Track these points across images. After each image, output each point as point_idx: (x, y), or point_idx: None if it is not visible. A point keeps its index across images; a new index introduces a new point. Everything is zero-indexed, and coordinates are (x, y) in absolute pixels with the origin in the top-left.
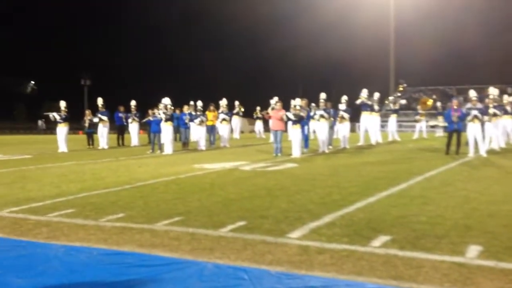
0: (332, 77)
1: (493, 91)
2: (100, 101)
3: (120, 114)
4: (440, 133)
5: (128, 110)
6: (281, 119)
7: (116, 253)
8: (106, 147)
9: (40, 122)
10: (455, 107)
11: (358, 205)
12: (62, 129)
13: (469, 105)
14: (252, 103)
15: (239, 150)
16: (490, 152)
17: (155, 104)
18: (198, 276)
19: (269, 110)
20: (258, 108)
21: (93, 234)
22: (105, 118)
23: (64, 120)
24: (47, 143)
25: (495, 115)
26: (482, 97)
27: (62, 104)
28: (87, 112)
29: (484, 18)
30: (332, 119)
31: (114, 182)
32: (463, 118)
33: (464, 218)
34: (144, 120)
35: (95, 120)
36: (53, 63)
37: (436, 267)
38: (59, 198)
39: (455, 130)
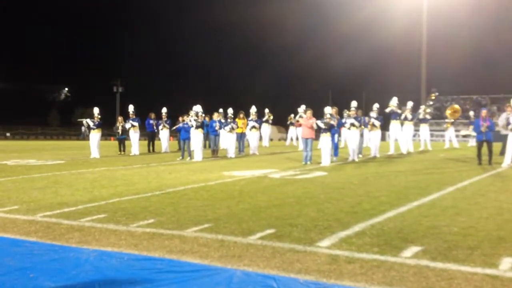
0: (363, 85)
1: None
2: (131, 108)
3: (151, 121)
4: (472, 143)
5: (159, 117)
6: (311, 127)
7: (146, 258)
8: (137, 153)
9: (83, 129)
10: (483, 116)
11: (388, 215)
12: (94, 136)
13: (506, 113)
14: (282, 110)
15: (269, 157)
16: None
17: (186, 111)
18: (227, 283)
19: (297, 117)
20: (292, 115)
21: (124, 239)
22: (136, 124)
23: (97, 126)
24: (80, 149)
25: None
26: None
27: (96, 110)
28: (120, 118)
29: None
30: (362, 127)
31: (145, 188)
32: (492, 128)
33: (497, 230)
34: (175, 127)
35: (127, 126)
36: (86, 70)
37: (468, 279)
38: (91, 203)
39: (484, 141)
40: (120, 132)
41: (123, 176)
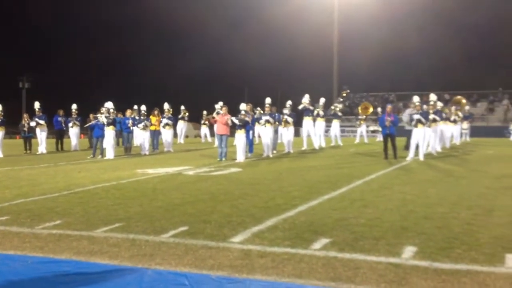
0: (277, 82)
1: (433, 97)
2: (37, 104)
3: (59, 118)
4: (380, 138)
5: (68, 114)
6: (226, 124)
7: (52, 261)
8: (44, 151)
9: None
10: (388, 112)
11: (300, 209)
12: None
13: (410, 110)
14: (197, 107)
15: (183, 154)
16: (427, 156)
17: (97, 108)
18: (138, 282)
19: (214, 114)
20: (204, 112)
21: (28, 242)
22: (42, 122)
23: (0, 124)
24: None
25: (434, 120)
26: (422, 103)
27: None
28: (25, 116)
29: (426, 26)
30: (277, 123)
31: (52, 188)
32: (396, 123)
33: (401, 220)
34: (87, 125)
35: (32, 124)
36: None
37: (373, 268)
38: None
39: (388, 135)
40: (26, 130)
41: (28, 176)
